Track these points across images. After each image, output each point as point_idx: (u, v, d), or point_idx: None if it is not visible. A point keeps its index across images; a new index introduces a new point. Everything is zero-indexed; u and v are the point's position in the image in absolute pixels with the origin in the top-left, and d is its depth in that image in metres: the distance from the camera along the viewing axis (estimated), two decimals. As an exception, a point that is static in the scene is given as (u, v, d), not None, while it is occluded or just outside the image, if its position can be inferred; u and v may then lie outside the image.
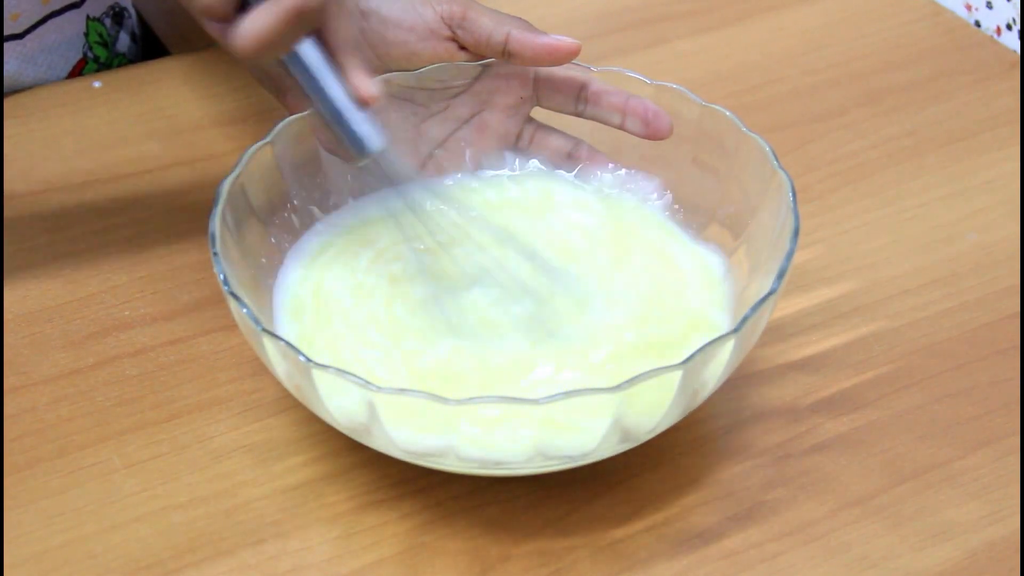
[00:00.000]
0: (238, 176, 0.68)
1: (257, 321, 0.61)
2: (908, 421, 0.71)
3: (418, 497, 0.66)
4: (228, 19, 0.63)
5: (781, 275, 0.64)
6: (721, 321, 0.69)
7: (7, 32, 0.90)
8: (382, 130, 0.66)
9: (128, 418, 0.70)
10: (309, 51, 0.64)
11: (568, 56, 0.74)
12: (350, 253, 0.73)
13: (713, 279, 0.72)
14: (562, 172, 0.78)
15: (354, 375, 0.59)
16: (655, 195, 0.76)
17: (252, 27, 0.62)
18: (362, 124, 0.65)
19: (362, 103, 0.65)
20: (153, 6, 1.03)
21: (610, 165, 0.77)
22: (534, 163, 0.78)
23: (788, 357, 0.74)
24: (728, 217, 0.73)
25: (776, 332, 0.75)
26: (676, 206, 0.76)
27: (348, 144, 0.66)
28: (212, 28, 0.64)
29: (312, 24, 0.64)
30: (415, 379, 0.65)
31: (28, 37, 0.91)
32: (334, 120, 0.65)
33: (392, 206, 0.72)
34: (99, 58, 0.97)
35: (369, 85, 0.65)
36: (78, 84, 0.93)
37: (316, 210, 0.74)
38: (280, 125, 0.71)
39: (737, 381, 0.71)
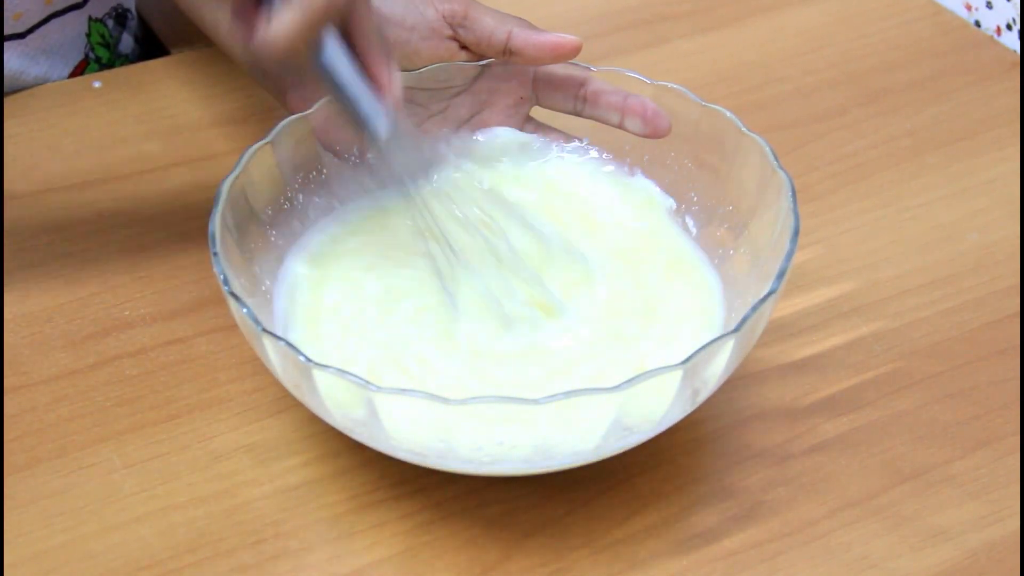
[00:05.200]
0: (238, 176, 0.68)
1: (257, 321, 0.61)
2: (908, 421, 0.71)
3: (418, 497, 0.67)
4: (246, 11, 0.63)
5: (781, 275, 0.64)
6: (720, 321, 0.69)
7: (9, 31, 0.90)
8: (398, 120, 0.67)
9: (128, 418, 0.70)
10: (330, 42, 0.65)
11: (570, 53, 0.74)
12: (350, 252, 0.73)
13: (712, 278, 0.72)
14: (559, 165, 0.78)
15: (354, 375, 0.59)
16: (655, 195, 0.76)
17: (281, 27, 0.62)
18: (378, 113, 0.67)
19: (382, 94, 0.67)
20: (153, 6, 1.03)
21: (609, 164, 0.77)
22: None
23: (788, 357, 0.74)
24: (728, 217, 0.73)
25: (776, 332, 0.75)
26: (676, 206, 0.76)
27: (364, 132, 0.67)
28: (237, 30, 0.64)
29: (338, 16, 0.64)
30: (416, 379, 0.65)
31: (30, 37, 0.91)
32: (350, 108, 0.67)
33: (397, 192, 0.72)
34: (101, 59, 0.97)
35: (393, 79, 0.67)
36: (78, 84, 0.93)
37: (316, 210, 0.74)
38: (280, 125, 0.71)
39: (737, 381, 0.71)
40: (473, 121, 0.78)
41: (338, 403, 0.61)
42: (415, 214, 0.70)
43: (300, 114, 0.73)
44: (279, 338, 0.60)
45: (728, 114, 0.72)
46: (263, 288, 0.69)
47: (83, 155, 0.87)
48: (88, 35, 0.96)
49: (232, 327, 0.66)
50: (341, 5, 0.63)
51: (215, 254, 0.64)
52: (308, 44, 0.64)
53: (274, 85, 0.78)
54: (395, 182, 0.70)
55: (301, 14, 0.62)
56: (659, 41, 0.99)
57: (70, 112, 0.91)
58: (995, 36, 1.02)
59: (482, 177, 0.75)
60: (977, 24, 1.03)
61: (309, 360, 0.59)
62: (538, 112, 0.79)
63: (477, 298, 0.69)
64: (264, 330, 0.61)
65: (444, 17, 0.76)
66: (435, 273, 0.70)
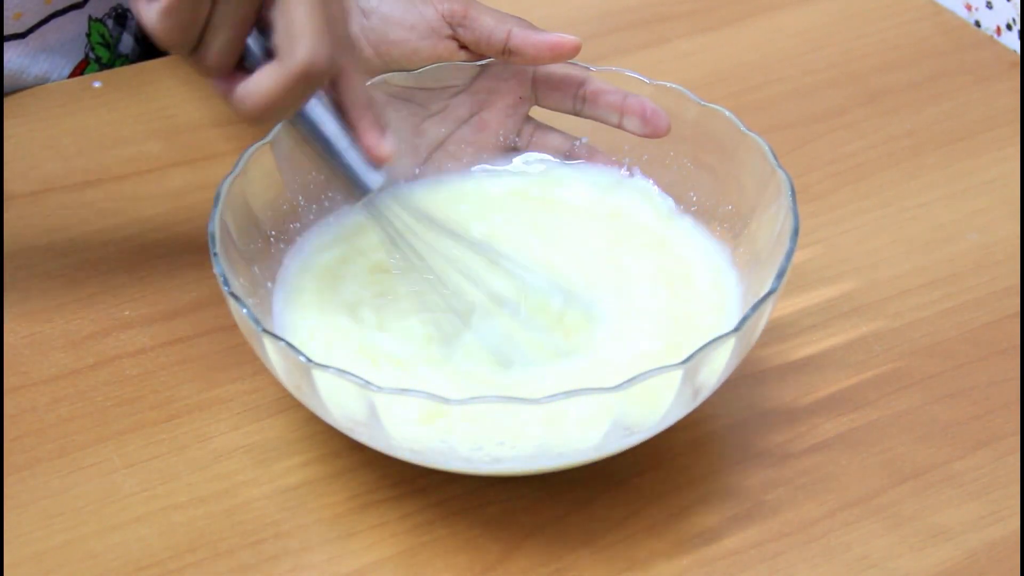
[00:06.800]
0: (237, 176, 0.68)
1: (257, 321, 0.61)
2: (908, 421, 0.71)
3: (418, 497, 0.66)
4: (229, 76, 0.61)
5: (781, 275, 0.64)
6: (722, 321, 0.69)
7: (10, 31, 0.90)
8: (381, 169, 0.65)
9: (128, 418, 0.70)
10: (315, 106, 0.63)
11: (570, 53, 0.74)
12: (351, 254, 0.73)
13: (714, 279, 0.72)
14: (559, 169, 0.78)
15: (354, 375, 0.59)
16: (654, 194, 0.76)
17: (256, 90, 0.60)
18: (363, 167, 0.64)
19: (376, 162, 0.64)
20: (153, 6, 1.03)
21: (609, 164, 0.77)
22: (533, 158, 0.78)
23: (788, 357, 0.74)
24: (728, 217, 0.73)
25: (776, 332, 0.75)
26: (675, 206, 0.76)
27: (350, 186, 0.65)
28: (217, 87, 0.62)
29: (320, 84, 0.61)
30: (416, 378, 0.65)
31: (30, 36, 0.91)
32: (335, 166, 0.64)
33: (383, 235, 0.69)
34: (101, 59, 0.97)
35: (383, 145, 0.64)
36: (78, 84, 0.93)
37: (316, 211, 0.74)
38: (280, 125, 0.71)
39: (737, 381, 0.71)
40: (472, 121, 0.78)
41: (338, 403, 0.61)
42: (406, 260, 0.69)
43: (300, 114, 0.72)
44: (279, 338, 0.60)
45: (728, 114, 0.72)
46: (263, 288, 0.69)
47: (83, 155, 0.87)
48: (88, 35, 0.96)
49: (232, 327, 0.66)
50: (321, 75, 0.60)
51: (215, 254, 0.64)
52: (285, 112, 0.62)
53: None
54: (383, 234, 0.68)
55: (277, 81, 0.60)
56: (659, 41, 0.99)
57: (70, 112, 0.91)
58: (995, 36, 1.02)
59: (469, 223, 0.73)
60: (977, 24, 1.03)
61: (309, 360, 0.59)
62: (537, 112, 0.79)
63: (483, 306, 0.69)
64: (264, 330, 0.61)
65: (443, 16, 0.76)
66: (439, 280, 0.70)
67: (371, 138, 0.64)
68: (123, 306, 0.76)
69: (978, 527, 0.66)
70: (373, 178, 0.65)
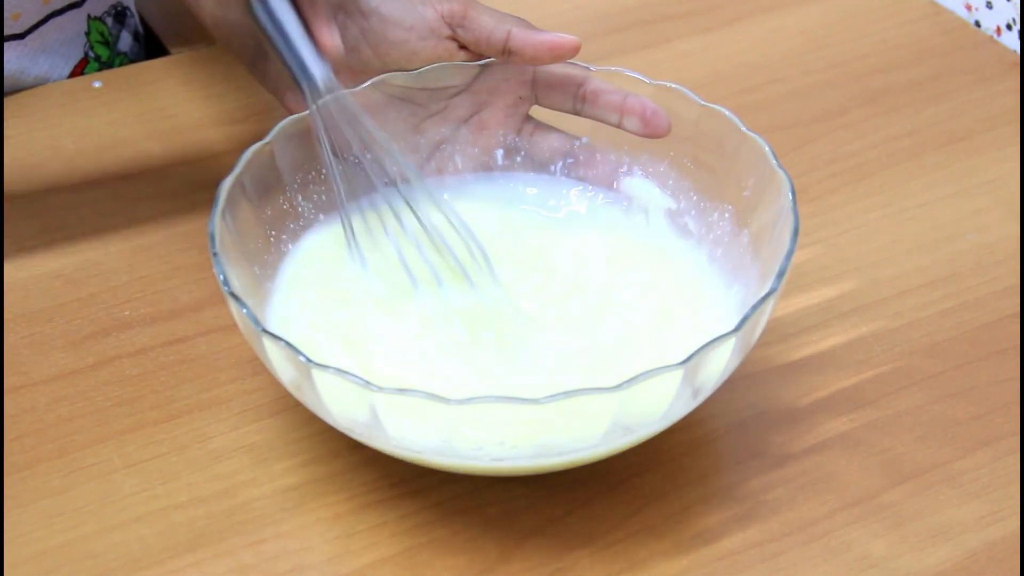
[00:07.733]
0: (238, 176, 0.68)
1: (257, 322, 0.61)
2: (908, 421, 0.71)
3: (418, 497, 0.67)
4: None
5: (781, 275, 0.64)
6: (723, 321, 0.69)
7: (8, 32, 0.90)
8: (337, 81, 0.71)
9: (128, 418, 0.70)
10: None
11: (569, 53, 0.74)
12: (350, 253, 0.73)
13: (715, 279, 0.72)
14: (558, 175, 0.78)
15: (354, 375, 0.59)
16: (654, 194, 0.76)
17: None
18: (316, 61, 0.70)
19: (324, 51, 0.70)
20: (153, 6, 1.04)
21: (608, 164, 0.77)
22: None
23: (788, 357, 0.74)
24: (727, 217, 0.73)
25: (776, 332, 0.75)
26: (675, 206, 0.76)
27: (300, 81, 0.70)
28: None
29: None
30: (416, 378, 0.65)
31: (29, 37, 0.91)
32: (288, 52, 0.70)
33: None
34: (100, 57, 0.97)
35: (332, 37, 0.70)
36: (78, 84, 0.93)
37: (316, 211, 0.74)
38: (280, 125, 0.71)
39: (737, 381, 0.71)
40: (472, 121, 0.78)
41: (338, 403, 0.61)
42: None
43: (299, 114, 0.72)
44: (279, 338, 0.60)
45: (728, 114, 0.72)
46: (263, 288, 0.69)
47: (83, 155, 0.87)
48: (87, 34, 0.96)
49: (232, 327, 0.66)
50: None
51: (215, 254, 0.64)
52: None
53: (273, 85, 0.78)
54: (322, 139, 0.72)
55: None
56: (659, 41, 0.99)
57: (70, 112, 0.91)
58: (995, 36, 1.02)
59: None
60: (977, 24, 1.03)
61: (309, 360, 0.59)
62: (537, 112, 0.79)
63: (481, 304, 0.69)
64: (264, 330, 0.61)
65: (443, 17, 0.76)
66: (435, 279, 0.70)
67: (322, 30, 0.70)
68: (123, 306, 0.76)
69: (978, 527, 0.66)
70: (321, 68, 0.70)
